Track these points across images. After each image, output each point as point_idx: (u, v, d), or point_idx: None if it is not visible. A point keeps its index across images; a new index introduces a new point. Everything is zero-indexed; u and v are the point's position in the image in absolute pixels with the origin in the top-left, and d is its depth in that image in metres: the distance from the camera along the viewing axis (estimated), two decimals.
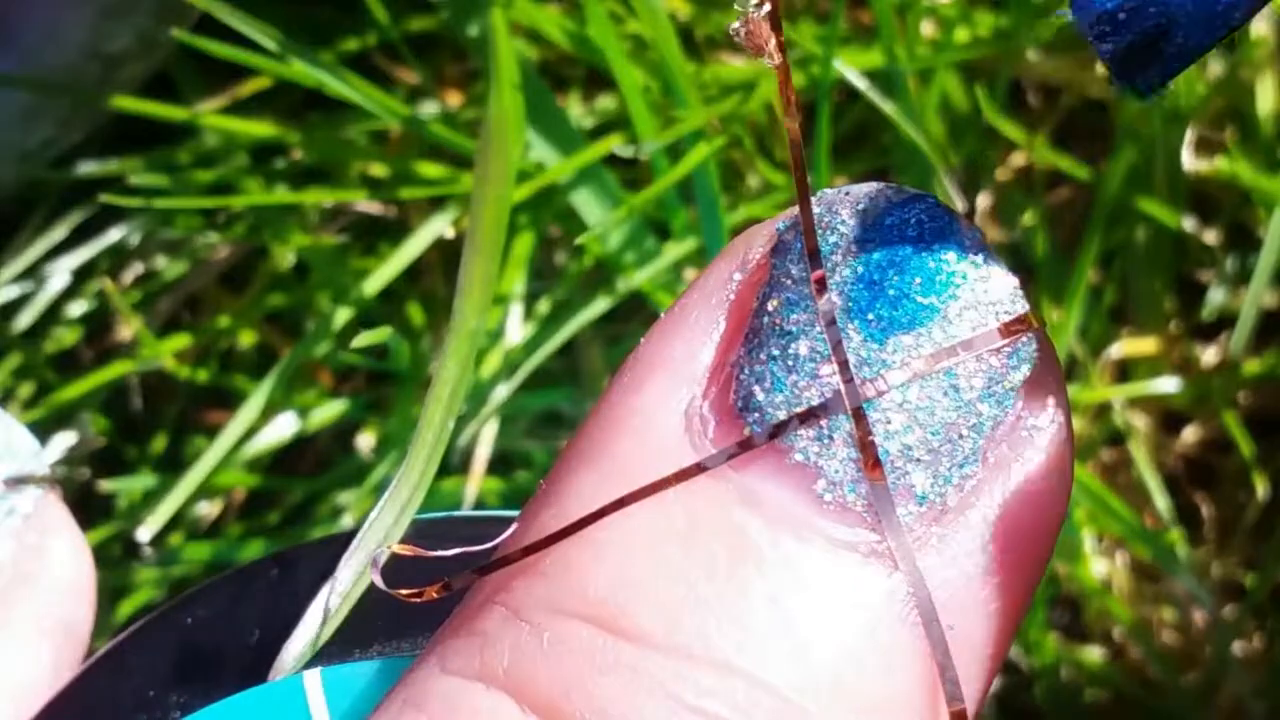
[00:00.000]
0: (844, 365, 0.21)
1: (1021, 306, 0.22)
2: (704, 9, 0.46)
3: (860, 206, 0.22)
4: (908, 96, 0.43)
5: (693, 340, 0.22)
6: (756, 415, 0.21)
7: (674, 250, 0.44)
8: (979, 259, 0.22)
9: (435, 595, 0.22)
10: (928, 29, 0.46)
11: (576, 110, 0.47)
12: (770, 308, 0.22)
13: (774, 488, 0.21)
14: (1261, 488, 0.45)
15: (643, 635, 0.21)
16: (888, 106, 0.43)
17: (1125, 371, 0.47)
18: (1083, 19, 0.20)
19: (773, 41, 0.21)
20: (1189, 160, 0.45)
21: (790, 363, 0.21)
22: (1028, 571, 0.22)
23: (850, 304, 0.21)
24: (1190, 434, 0.47)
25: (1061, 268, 0.45)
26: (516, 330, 0.45)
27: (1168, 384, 0.45)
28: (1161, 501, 0.45)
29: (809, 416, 0.21)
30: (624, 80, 0.42)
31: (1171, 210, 0.45)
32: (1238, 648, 0.45)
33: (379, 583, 0.23)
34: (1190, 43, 0.20)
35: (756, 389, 0.21)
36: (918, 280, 0.21)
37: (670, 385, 0.22)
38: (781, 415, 0.21)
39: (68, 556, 0.28)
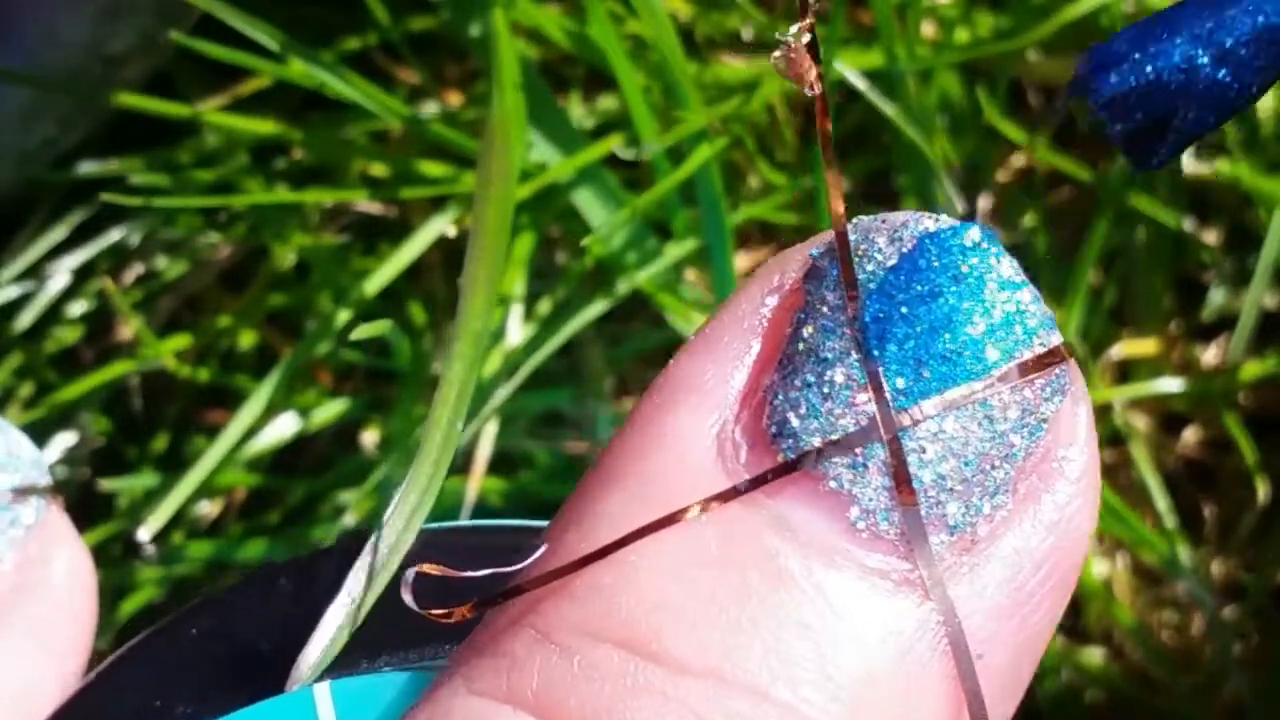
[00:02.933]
0: (880, 393, 0.21)
1: (1057, 338, 0.22)
2: (704, 9, 0.46)
3: (896, 234, 0.22)
4: (908, 97, 0.43)
5: (725, 363, 0.22)
6: (790, 441, 0.21)
7: (675, 250, 0.44)
8: (1017, 290, 0.22)
9: (466, 615, 0.22)
10: (928, 29, 0.45)
11: (577, 110, 0.47)
12: (805, 334, 0.22)
13: (807, 514, 0.21)
14: (1262, 489, 0.45)
15: (674, 659, 0.21)
16: (888, 107, 0.43)
17: (1125, 372, 0.47)
18: (1093, 100, 0.20)
19: (813, 72, 0.21)
20: (1189, 162, 0.45)
21: (826, 390, 0.21)
22: (1054, 600, 0.22)
23: (887, 333, 0.21)
24: (1191, 435, 0.47)
25: (1062, 268, 0.45)
26: (517, 330, 0.45)
27: (1168, 385, 0.45)
28: (1162, 502, 0.45)
29: (844, 444, 0.21)
30: (625, 80, 0.42)
31: (1172, 211, 0.45)
32: (1238, 648, 0.45)
33: (411, 604, 0.22)
34: (1199, 122, 0.20)
35: (791, 415, 0.21)
36: (955, 311, 0.21)
37: (702, 408, 0.22)
38: (816, 442, 0.21)
39: (69, 566, 0.28)
